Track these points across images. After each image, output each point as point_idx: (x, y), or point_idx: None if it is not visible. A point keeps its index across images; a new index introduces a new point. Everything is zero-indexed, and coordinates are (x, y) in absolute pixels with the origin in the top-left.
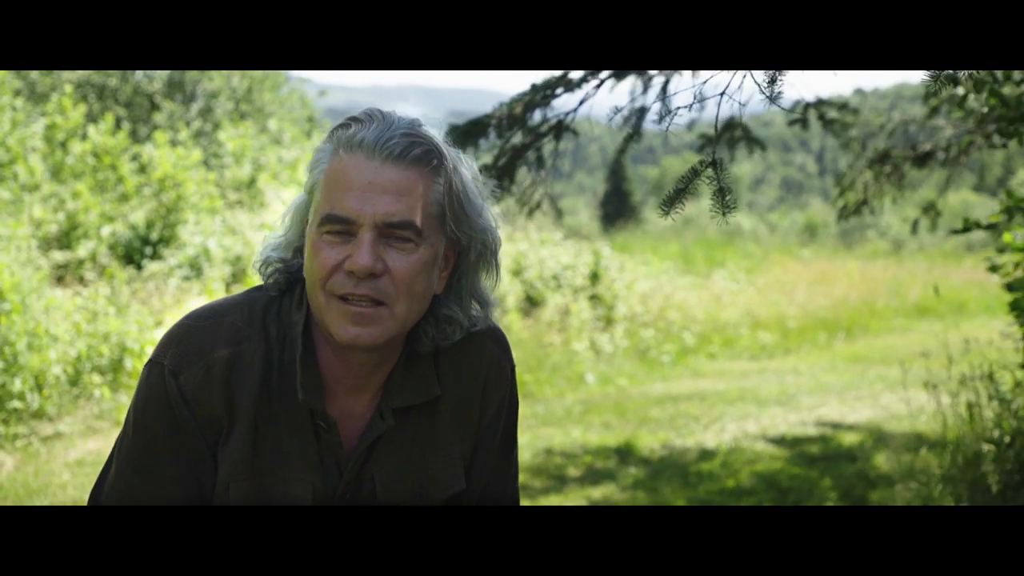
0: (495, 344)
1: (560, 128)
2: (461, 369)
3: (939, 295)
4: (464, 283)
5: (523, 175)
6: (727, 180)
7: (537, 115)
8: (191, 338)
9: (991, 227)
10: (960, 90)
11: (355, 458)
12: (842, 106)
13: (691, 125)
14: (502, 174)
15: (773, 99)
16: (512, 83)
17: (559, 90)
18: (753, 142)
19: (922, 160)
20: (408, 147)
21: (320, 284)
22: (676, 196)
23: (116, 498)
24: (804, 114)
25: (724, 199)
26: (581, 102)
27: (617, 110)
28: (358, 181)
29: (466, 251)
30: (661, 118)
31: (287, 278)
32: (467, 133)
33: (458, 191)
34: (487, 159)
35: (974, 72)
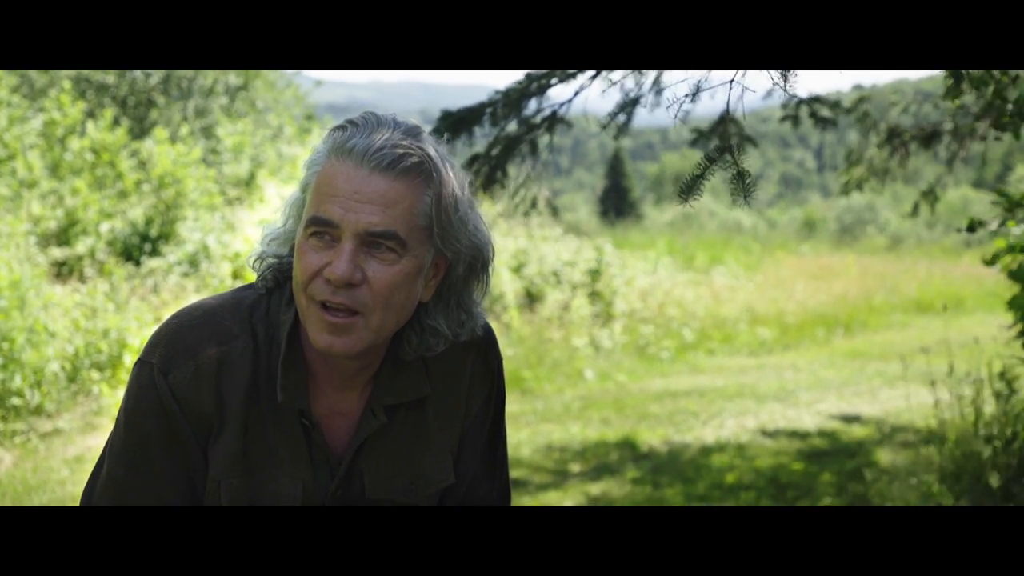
0: (482, 338)
1: (554, 120)
2: (448, 364)
3: (945, 310)
4: (452, 294)
5: (516, 170)
6: (744, 163)
7: (532, 104)
8: (179, 337)
9: (1000, 226)
10: (966, 98)
11: (347, 455)
12: (835, 104)
13: (685, 117)
14: (496, 165)
15: (789, 94)
16: (512, 82)
17: (554, 80)
18: (747, 140)
19: (929, 140)
20: (398, 158)
21: (302, 288)
22: (693, 183)
23: (109, 498)
24: (796, 111)
25: (744, 182)
26: (576, 93)
27: (614, 112)
28: (344, 189)
29: (455, 263)
30: (654, 108)
31: (277, 275)
32: (462, 120)
33: (447, 204)
34: (480, 148)
35: (979, 73)
